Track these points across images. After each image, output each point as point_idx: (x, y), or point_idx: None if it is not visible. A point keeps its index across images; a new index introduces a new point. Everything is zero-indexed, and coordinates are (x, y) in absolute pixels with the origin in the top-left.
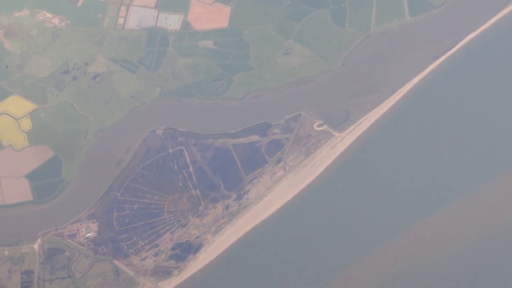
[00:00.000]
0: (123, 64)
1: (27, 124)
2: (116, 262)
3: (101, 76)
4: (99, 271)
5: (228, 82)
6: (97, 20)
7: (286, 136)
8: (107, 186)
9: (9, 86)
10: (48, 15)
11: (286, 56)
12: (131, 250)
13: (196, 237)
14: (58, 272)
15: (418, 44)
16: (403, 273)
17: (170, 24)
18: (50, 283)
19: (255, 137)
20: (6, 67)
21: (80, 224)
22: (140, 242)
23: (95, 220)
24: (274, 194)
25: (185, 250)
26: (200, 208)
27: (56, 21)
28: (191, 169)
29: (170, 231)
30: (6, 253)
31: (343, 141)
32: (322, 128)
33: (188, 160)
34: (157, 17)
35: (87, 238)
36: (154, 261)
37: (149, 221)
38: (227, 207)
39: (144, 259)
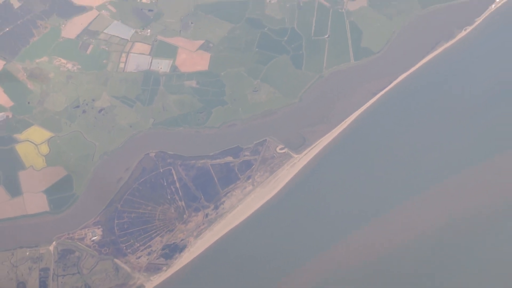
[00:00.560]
0: (123, 100)
1: (45, 149)
2: (116, 260)
3: (105, 109)
4: (103, 268)
5: (208, 114)
6: (103, 65)
7: (255, 157)
8: (109, 199)
9: (31, 118)
10: (63, 61)
11: (255, 93)
12: (128, 251)
13: (181, 240)
14: (69, 269)
15: (360, 83)
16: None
17: (161, 68)
18: (62, 278)
19: (229, 158)
20: (29, 103)
21: (88, 230)
22: (136, 244)
23: (99, 226)
24: (244, 205)
25: (173, 250)
26: (185, 216)
27: (69, 66)
28: (177, 185)
29: (160, 235)
30: (27, 253)
31: (300, 161)
32: (283, 151)
33: (175, 177)
34: (151, 62)
35: (93, 241)
36: (147, 259)
37: (143, 227)
38: (206, 215)
39: (139, 257)
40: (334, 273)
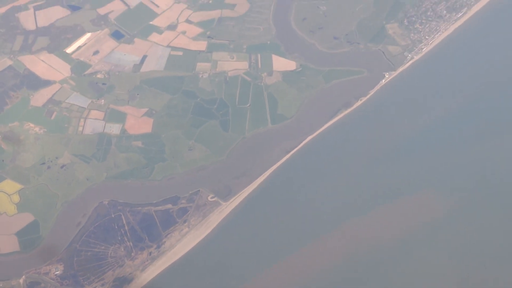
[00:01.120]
0: (81, 158)
1: (16, 198)
2: None
3: (66, 166)
4: None
5: (151, 169)
6: (64, 128)
7: (190, 205)
8: (70, 240)
9: (4, 173)
10: (32, 125)
11: (190, 151)
12: (85, 283)
13: (129, 273)
14: None
15: (276, 143)
16: None
17: (113, 131)
18: None
19: (169, 206)
20: (3, 160)
21: (52, 266)
22: (91, 277)
23: (61, 263)
24: (182, 244)
25: (122, 282)
26: (132, 254)
27: (37, 129)
28: (126, 228)
29: (112, 270)
30: (1, 285)
31: (227, 207)
32: (213, 199)
33: (124, 221)
34: (105, 126)
35: (56, 275)
36: None
37: (98, 263)
38: (150, 253)
39: None
40: None
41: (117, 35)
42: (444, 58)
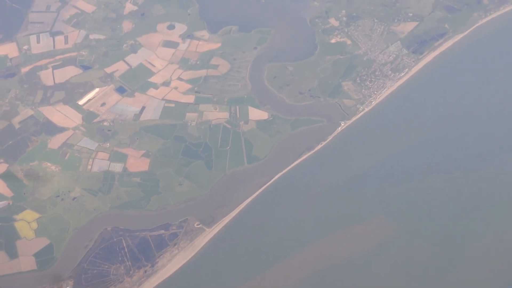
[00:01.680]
0: (89, 191)
1: (35, 225)
2: None
3: (77, 198)
4: None
5: (147, 201)
6: (76, 167)
7: (179, 230)
8: (79, 260)
9: (25, 204)
10: (49, 164)
11: (180, 186)
12: None
13: None
14: None
15: (251, 179)
16: None
17: (116, 169)
18: None
19: (162, 231)
20: (24, 194)
21: (63, 282)
22: None
23: (72, 279)
24: (172, 263)
25: None
26: (131, 272)
27: (53, 168)
28: (126, 250)
29: (113, 285)
30: None
31: (211, 232)
32: (199, 226)
33: (124, 245)
34: (109, 165)
35: None
36: None
37: (102, 279)
38: (145, 271)
39: None
40: None
41: (120, 90)
42: (390, 109)
